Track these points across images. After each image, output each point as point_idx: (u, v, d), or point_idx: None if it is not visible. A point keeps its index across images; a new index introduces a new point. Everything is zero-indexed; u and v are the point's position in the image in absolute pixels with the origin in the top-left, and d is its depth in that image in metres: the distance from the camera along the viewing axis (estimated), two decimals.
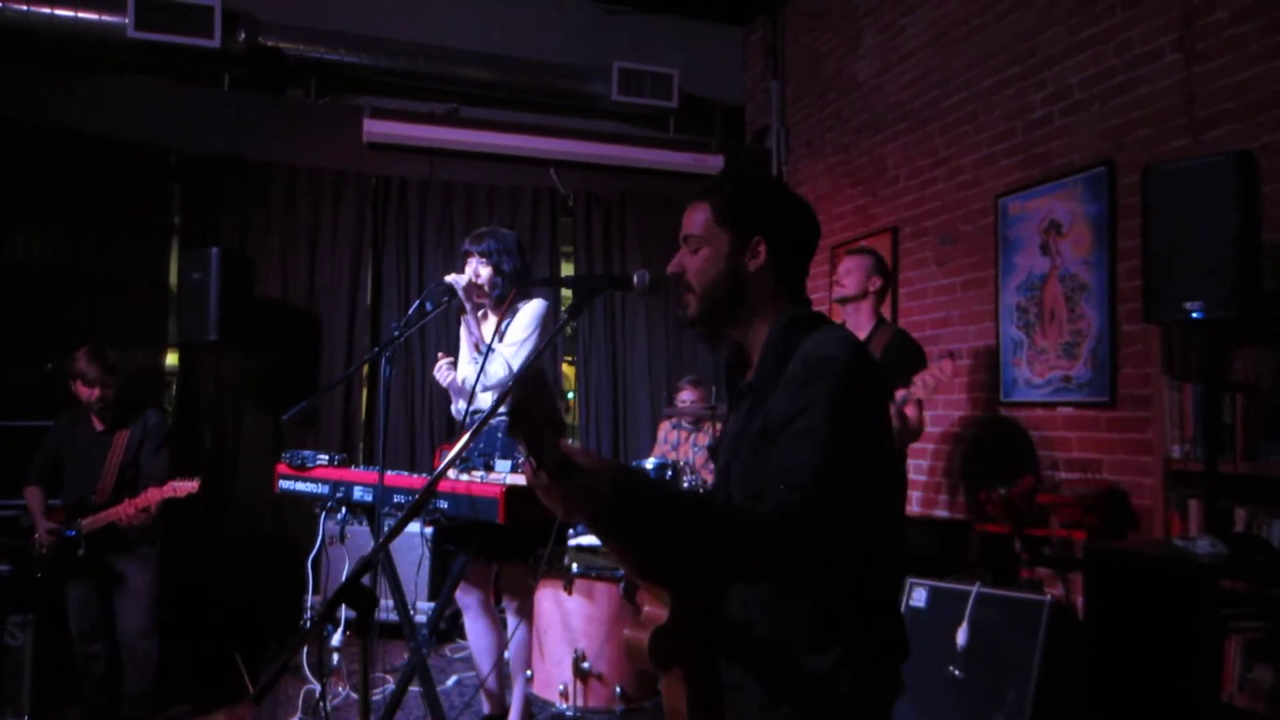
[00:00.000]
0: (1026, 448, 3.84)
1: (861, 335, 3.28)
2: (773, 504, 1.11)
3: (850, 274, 3.34)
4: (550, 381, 1.12)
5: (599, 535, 1.13)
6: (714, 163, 5.63)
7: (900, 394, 2.98)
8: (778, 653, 1.24)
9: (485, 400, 3.03)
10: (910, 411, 2.99)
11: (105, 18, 4.62)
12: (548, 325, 3.15)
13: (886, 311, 4.77)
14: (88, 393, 3.35)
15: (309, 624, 3.51)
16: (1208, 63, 3.12)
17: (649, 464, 3.78)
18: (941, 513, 4.33)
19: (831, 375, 1.19)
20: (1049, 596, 3.01)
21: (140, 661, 3.39)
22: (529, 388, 1.02)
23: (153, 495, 3.25)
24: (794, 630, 1.23)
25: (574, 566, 2.99)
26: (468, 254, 3.07)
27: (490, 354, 2.94)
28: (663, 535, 1.09)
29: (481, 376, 2.90)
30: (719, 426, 4.33)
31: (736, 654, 1.27)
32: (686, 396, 4.69)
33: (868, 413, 1.22)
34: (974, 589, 3.11)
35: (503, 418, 3.03)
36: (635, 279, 1.58)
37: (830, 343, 1.24)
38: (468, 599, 3.09)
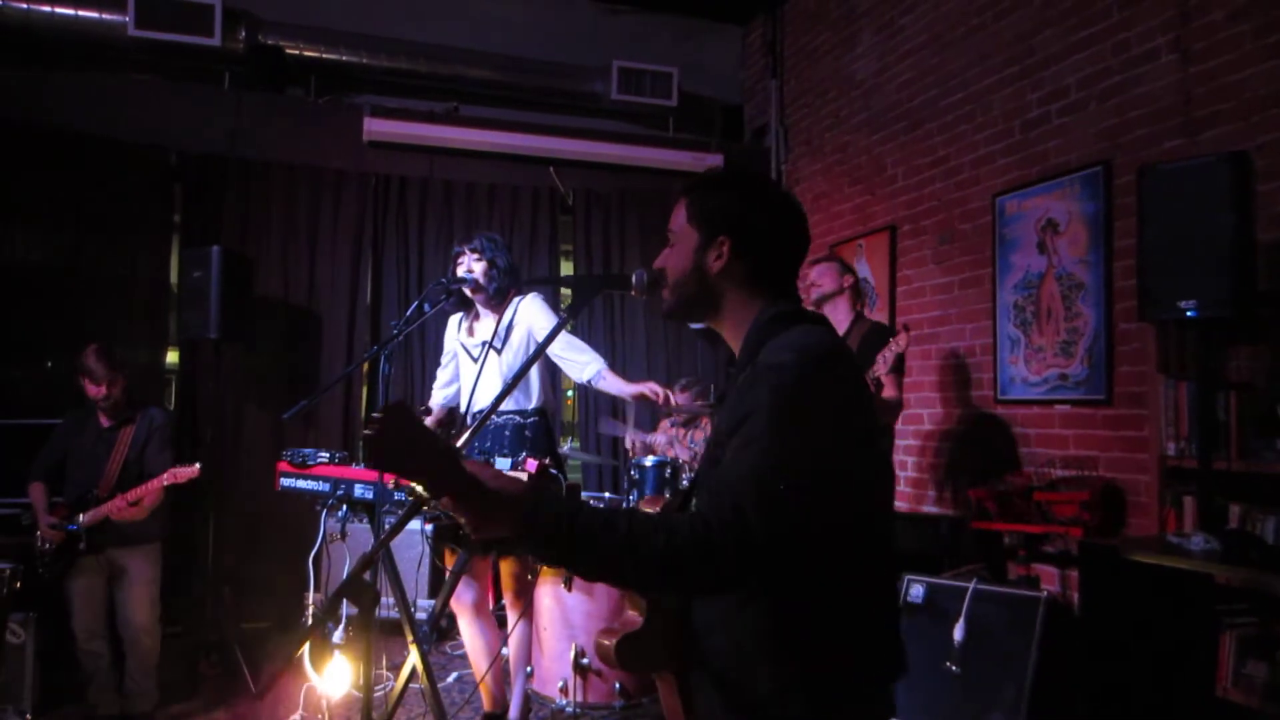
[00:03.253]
0: (1023, 445, 3.86)
1: (841, 330, 3.37)
2: (708, 522, 1.06)
3: (824, 275, 3.48)
4: (413, 409, 1.12)
5: (521, 552, 1.14)
6: (713, 161, 5.64)
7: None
8: (735, 664, 1.20)
9: (484, 398, 3.05)
10: (885, 391, 3.10)
11: (105, 16, 4.63)
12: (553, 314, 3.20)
13: (884, 307, 4.82)
14: (95, 390, 3.37)
15: (310, 621, 3.52)
16: (1204, 63, 3.14)
17: (648, 462, 3.81)
18: (938, 509, 4.36)
19: (774, 382, 1.14)
20: (1045, 592, 3.03)
21: (142, 657, 3.41)
22: (383, 422, 1.01)
23: (154, 485, 3.27)
24: (751, 642, 1.18)
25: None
26: (459, 254, 3.12)
27: (488, 353, 2.96)
28: (586, 558, 1.08)
29: (478, 379, 2.92)
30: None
31: (700, 663, 1.25)
32: (682, 400, 4.71)
33: (814, 421, 1.13)
34: (970, 585, 3.13)
35: (510, 416, 3.06)
36: (634, 278, 1.58)
37: (784, 347, 1.19)
38: (463, 600, 3.09)
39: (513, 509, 1.05)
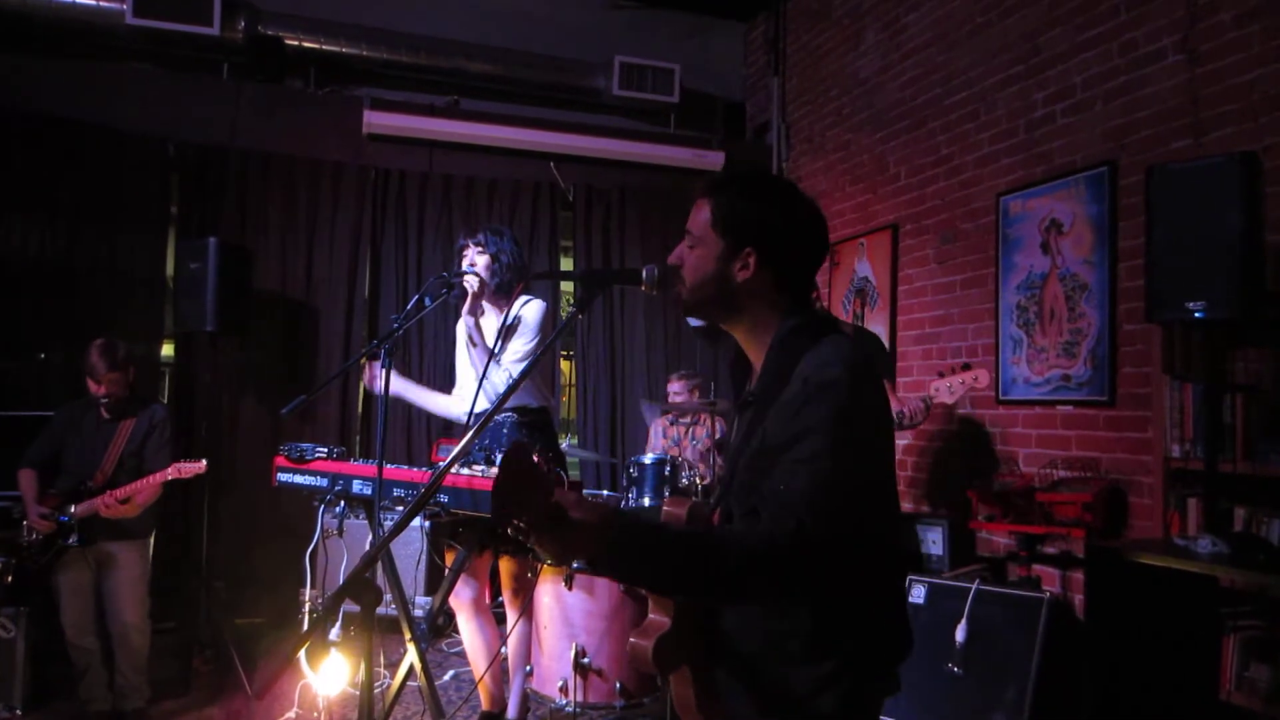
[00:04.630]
0: (1025, 446, 3.85)
1: None
2: (774, 535, 1.12)
3: None
4: (529, 448, 1.16)
5: (597, 574, 1.18)
6: (714, 158, 5.62)
7: (922, 393, 3.03)
8: (769, 663, 1.24)
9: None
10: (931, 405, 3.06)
11: (104, 4, 4.58)
12: (548, 328, 3.14)
13: (885, 306, 4.81)
14: (95, 388, 3.33)
15: (312, 619, 3.49)
16: (1211, 64, 3.13)
17: (647, 459, 3.78)
18: (940, 509, 4.34)
19: (831, 400, 1.17)
20: (1047, 594, 3.02)
21: (132, 654, 3.36)
22: (511, 466, 1.05)
23: (155, 479, 3.24)
24: (787, 643, 1.22)
25: (575, 562, 2.99)
26: (463, 247, 3.08)
27: (493, 362, 2.92)
28: (662, 580, 1.15)
29: (484, 378, 2.89)
30: (719, 422, 4.33)
31: (730, 661, 1.28)
32: (674, 388, 4.69)
33: (867, 436, 1.22)
34: (973, 586, 3.12)
35: (510, 414, 3.02)
36: (644, 273, 1.54)
37: (832, 362, 1.21)
38: (461, 597, 3.06)
39: (597, 540, 1.08)
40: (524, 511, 1.06)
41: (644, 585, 1.20)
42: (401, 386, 3.12)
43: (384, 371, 2.71)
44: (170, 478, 3.26)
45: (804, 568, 1.12)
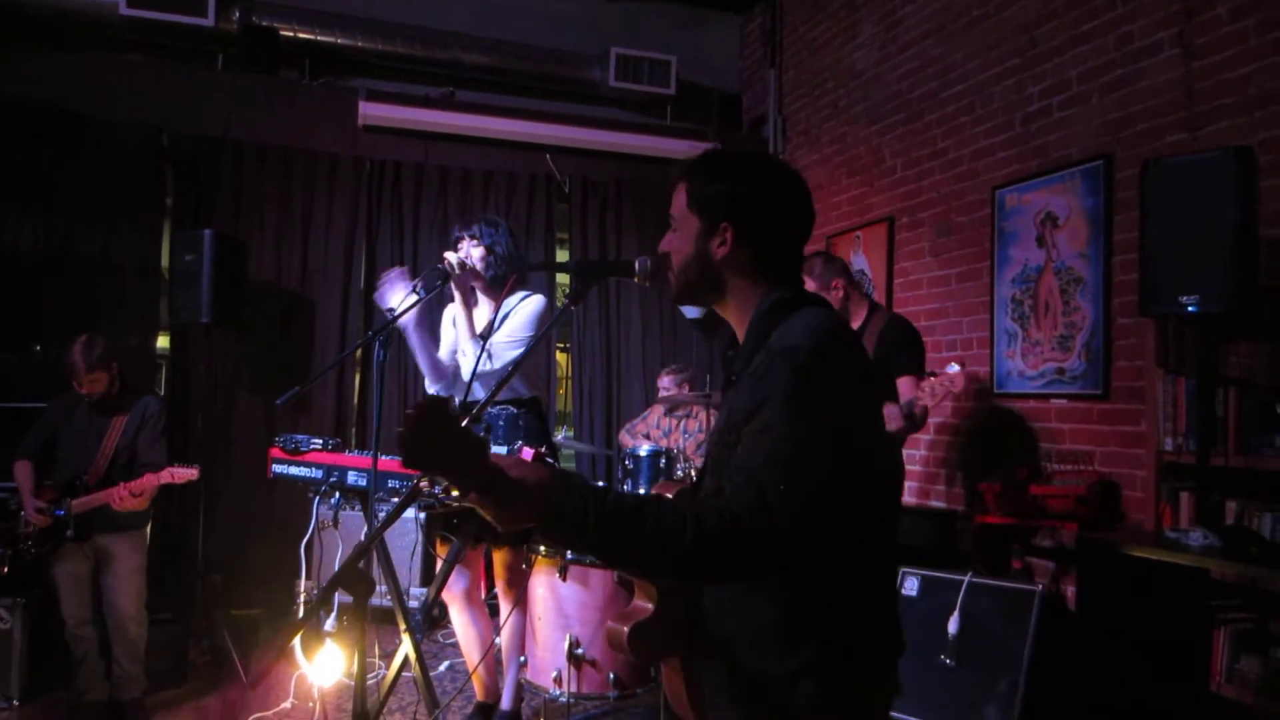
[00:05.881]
0: (1019, 439, 3.86)
1: (855, 325, 3.31)
2: (732, 508, 1.06)
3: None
4: (452, 405, 1.15)
5: (545, 542, 1.13)
6: None
7: (906, 399, 3.00)
8: (745, 649, 1.20)
9: (477, 388, 3.02)
10: (915, 410, 3.00)
11: None
12: (544, 323, 3.13)
13: (880, 299, 4.80)
14: (77, 388, 3.31)
15: (303, 611, 3.50)
16: (1207, 58, 3.13)
17: (643, 451, 3.79)
18: (934, 502, 4.36)
19: (788, 367, 1.13)
20: (1040, 586, 3.03)
21: (129, 644, 3.37)
22: (420, 418, 0.99)
23: (150, 481, 3.22)
24: (763, 627, 1.18)
25: (568, 553, 2.99)
26: (459, 239, 3.07)
27: (485, 345, 2.92)
28: (613, 548, 1.07)
29: (476, 367, 2.89)
30: (713, 414, 4.34)
31: (709, 647, 1.25)
32: (664, 384, 4.70)
33: (830, 405, 1.13)
34: (966, 578, 3.13)
35: (504, 406, 3.02)
36: (637, 265, 1.55)
37: (795, 331, 1.18)
38: (454, 589, 3.07)
39: (538, 500, 1.03)
40: (445, 469, 1.01)
41: (592, 553, 1.12)
42: (417, 338, 3.07)
43: (379, 363, 2.72)
44: (164, 482, 3.24)
45: (766, 544, 1.06)
